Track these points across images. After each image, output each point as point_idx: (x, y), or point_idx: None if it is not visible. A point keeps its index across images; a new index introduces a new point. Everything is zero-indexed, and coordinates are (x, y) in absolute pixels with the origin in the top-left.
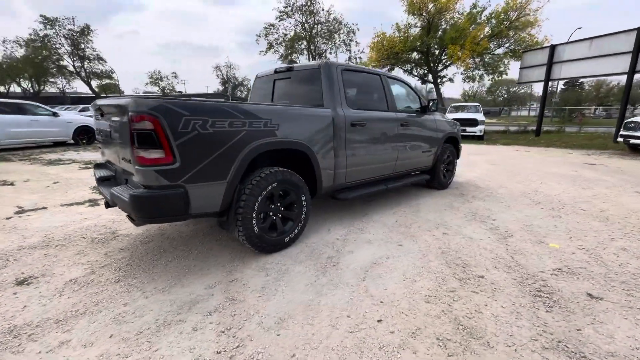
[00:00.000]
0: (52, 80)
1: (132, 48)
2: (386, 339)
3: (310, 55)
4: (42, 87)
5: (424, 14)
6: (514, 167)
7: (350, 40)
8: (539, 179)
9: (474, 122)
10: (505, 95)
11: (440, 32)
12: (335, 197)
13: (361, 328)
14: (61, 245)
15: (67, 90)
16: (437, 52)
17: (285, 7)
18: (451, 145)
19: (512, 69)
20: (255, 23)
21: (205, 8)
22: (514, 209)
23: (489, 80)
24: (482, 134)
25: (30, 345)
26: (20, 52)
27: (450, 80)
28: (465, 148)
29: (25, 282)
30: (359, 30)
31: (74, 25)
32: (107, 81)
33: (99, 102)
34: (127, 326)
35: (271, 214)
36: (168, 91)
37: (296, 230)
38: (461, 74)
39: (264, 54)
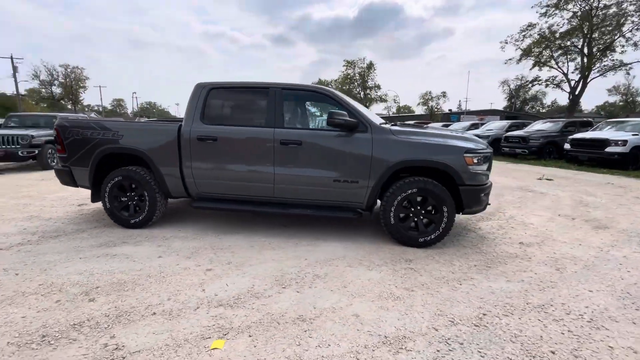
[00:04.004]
0: None
1: (437, 72)
2: None
3: (585, 54)
4: None
5: None
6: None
7: None
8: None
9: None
10: None
11: None
12: (191, 204)
13: None
14: None
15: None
16: None
17: None
18: (435, 182)
19: None
20: None
21: (515, 16)
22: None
23: None
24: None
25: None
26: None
27: None
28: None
29: (80, 205)
30: None
31: (364, 63)
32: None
33: None
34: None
35: (125, 199)
36: (435, 111)
37: (141, 217)
38: None
39: (517, 63)
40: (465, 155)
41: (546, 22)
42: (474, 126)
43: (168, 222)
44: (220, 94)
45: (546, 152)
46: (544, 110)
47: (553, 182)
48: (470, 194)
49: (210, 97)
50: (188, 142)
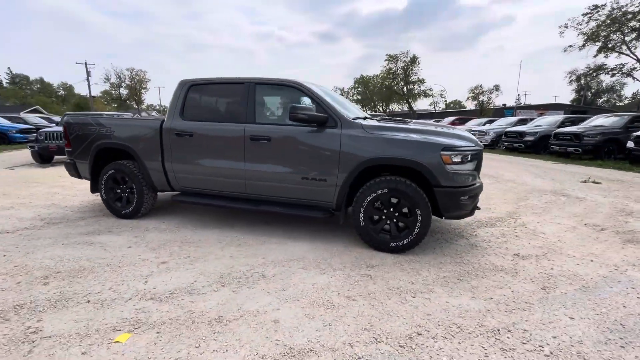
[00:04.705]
0: (400, 101)
1: (494, 64)
2: None
3: None
4: (389, 107)
5: None
6: None
7: None
8: None
9: None
10: None
11: None
12: (172, 198)
13: None
14: None
15: (414, 108)
16: None
17: None
18: (407, 183)
19: None
20: None
21: None
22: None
23: None
24: None
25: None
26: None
27: None
28: None
29: (97, 195)
30: None
31: (407, 57)
32: (428, 99)
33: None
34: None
35: (119, 191)
36: (486, 106)
37: (130, 209)
38: None
39: (580, 50)
40: (442, 153)
41: (617, 2)
42: (522, 122)
43: (159, 214)
44: (199, 90)
45: (604, 151)
46: (621, 104)
47: (600, 185)
48: (447, 197)
49: (190, 94)
50: (168, 137)
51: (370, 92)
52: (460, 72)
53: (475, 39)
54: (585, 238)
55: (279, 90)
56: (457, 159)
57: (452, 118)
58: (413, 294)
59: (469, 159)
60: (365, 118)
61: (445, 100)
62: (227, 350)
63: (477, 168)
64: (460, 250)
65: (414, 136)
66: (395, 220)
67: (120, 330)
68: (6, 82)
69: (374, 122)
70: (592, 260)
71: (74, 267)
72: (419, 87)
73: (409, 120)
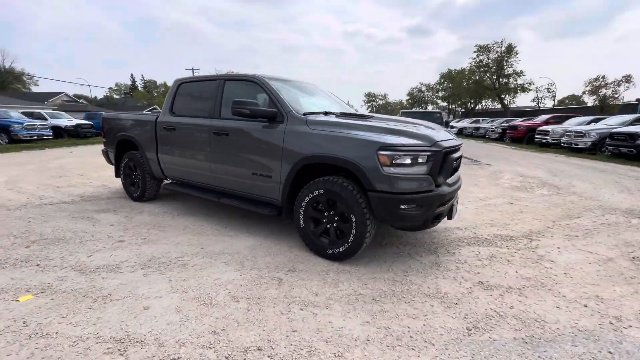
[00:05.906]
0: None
1: (633, 49)
2: None
3: None
4: (480, 104)
5: None
6: None
7: None
8: None
9: None
10: None
11: None
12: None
13: None
14: None
15: (512, 105)
16: None
17: None
18: (344, 184)
19: None
20: None
21: None
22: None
23: None
24: None
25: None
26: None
27: None
28: None
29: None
30: None
31: (501, 47)
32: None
33: None
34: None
35: (133, 177)
36: (610, 102)
37: (138, 193)
38: None
39: None
40: (379, 152)
41: None
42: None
43: (163, 200)
44: (186, 87)
45: None
46: None
47: None
48: (381, 203)
49: (179, 91)
50: (160, 131)
51: (456, 87)
52: (585, 62)
53: (608, 20)
54: (611, 276)
55: (243, 86)
56: (400, 161)
57: (547, 116)
58: (303, 307)
59: (419, 160)
60: (326, 113)
61: (553, 96)
62: (78, 325)
63: (433, 172)
64: (413, 268)
65: (354, 133)
66: (335, 225)
67: (30, 291)
68: (141, 87)
69: (324, 118)
70: (586, 306)
71: (59, 236)
72: (515, 80)
73: (371, 115)
